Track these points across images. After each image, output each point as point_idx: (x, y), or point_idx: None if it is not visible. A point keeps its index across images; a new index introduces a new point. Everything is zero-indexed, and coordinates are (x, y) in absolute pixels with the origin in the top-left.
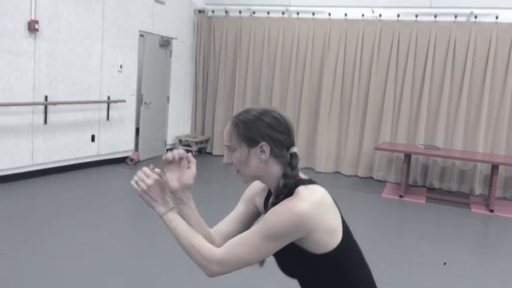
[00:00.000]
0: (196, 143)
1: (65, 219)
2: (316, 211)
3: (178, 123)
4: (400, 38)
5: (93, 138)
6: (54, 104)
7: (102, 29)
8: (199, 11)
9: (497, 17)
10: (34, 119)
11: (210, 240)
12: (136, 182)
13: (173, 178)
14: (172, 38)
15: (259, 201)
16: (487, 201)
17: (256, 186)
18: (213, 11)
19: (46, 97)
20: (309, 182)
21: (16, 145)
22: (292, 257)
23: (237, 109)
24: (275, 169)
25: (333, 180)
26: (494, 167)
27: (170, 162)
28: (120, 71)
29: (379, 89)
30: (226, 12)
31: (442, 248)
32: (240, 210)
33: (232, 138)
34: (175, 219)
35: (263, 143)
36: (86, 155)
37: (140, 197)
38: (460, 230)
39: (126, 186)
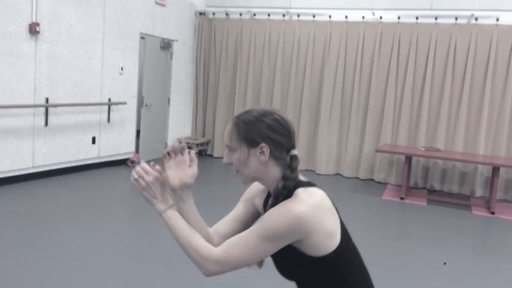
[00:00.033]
0: (196, 145)
1: (66, 221)
2: (315, 213)
3: (179, 125)
4: (400, 40)
5: (93, 140)
6: (55, 106)
7: (103, 31)
8: (200, 13)
9: (497, 19)
10: (35, 121)
11: (208, 239)
12: (136, 179)
13: (173, 176)
14: (173, 40)
15: (259, 202)
16: (488, 203)
17: (256, 187)
18: (213, 13)
19: (47, 99)
20: (308, 184)
21: (17, 147)
22: (290, 259)
23: (238, 111)
24: (274, 171)
25: (334, 182)
26: (495, 169)
27: (170, 156)
28: (121, 73)
29: (380, 91)
30: (227, 14)
31: (443, 250)
32: (239, 210)
33: (232, 138)
34: (174, 217)
35: (263, 145)
36: (87, 157)
37: (140, 193)
38: (461, 232)
39: (127, 188)
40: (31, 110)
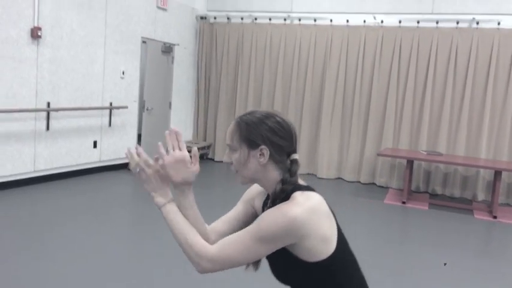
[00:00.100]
0: (198, 149)
1: (67, 225)
2: (310, 217)
3: (180, 129)
4: (402, 44)
5: (95, 145)
6: (57, 110)
7: (104, 35)
8: (202, 18)
9: (499, 23)
10: (36, 125)
11: (206, 237)
12: (138, 172)
13: (175, 174)
14: (174, 44)
15: (258, 204)
16: (490, 208)
17: (256, 188)
18: (215, 18)
19: (48, 103)
20: (307, 188)
21: (18, 151)
22: (285, 263)
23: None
24: (274, 174)
25: (335, 186)
26: (497, 173)
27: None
28: (122, 77)
29: (381, 95)
30: (228, 18)
31: (445, 254)
32: (238, 210)
33: (234, 138)
34: (172, 212)
35: (263, 147)
36: (88, 161)
37: (142, 184)
38: (462, 236)
39: (128, 192)
40: (33, 114)
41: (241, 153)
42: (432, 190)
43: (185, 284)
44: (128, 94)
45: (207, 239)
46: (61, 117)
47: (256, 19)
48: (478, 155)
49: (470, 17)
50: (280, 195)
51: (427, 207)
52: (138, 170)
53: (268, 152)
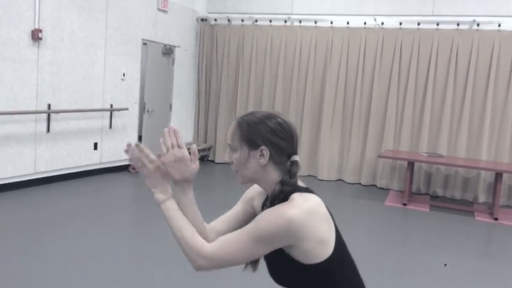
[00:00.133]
0: (198, 150)
1: (67, 227)
2: (308, 219)
3: (181, 131)
4: (402, 46)
5: (95, 146)
6: (57, 112)
7: (105, 37)
8: (202, 20)
9: (499, 25)
10: (37, 127)
11: (204, 235)
12: (140, 167)
13: (174, 170)
14: (175, 46)
15: (258, 204)
16: (491, 209)
17: (256, 188)
18: (215, 20)
19: (49, 105)
20: (306, 190)
21: (19, 153)
22: (283, 265)
23: None
24: (273, 175)
25: (336, 188)
26: (498, 175)
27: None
28: (123, 79)
29: (382, 97)
30: (228, 20)
31: (446, 256)
32: (238, 209)
33: (234, 137)
34: (171, 208)
35: (263, 147)
36: (89, 163)
37: (143, 179)
38: (463, 238)
39: (129, 194)
40: (33, 116)
41: (241, 153)
42: (433, 192)
43: (185, 285)
44: (128, 96)
45: (205, 238)
46: (61, 119)
47: (256, 21)
48: (478, 156)
49: (470, 18)
50: (279, 196)
51: (427, 209)
52: (139, 164)
53: (268, 153)
